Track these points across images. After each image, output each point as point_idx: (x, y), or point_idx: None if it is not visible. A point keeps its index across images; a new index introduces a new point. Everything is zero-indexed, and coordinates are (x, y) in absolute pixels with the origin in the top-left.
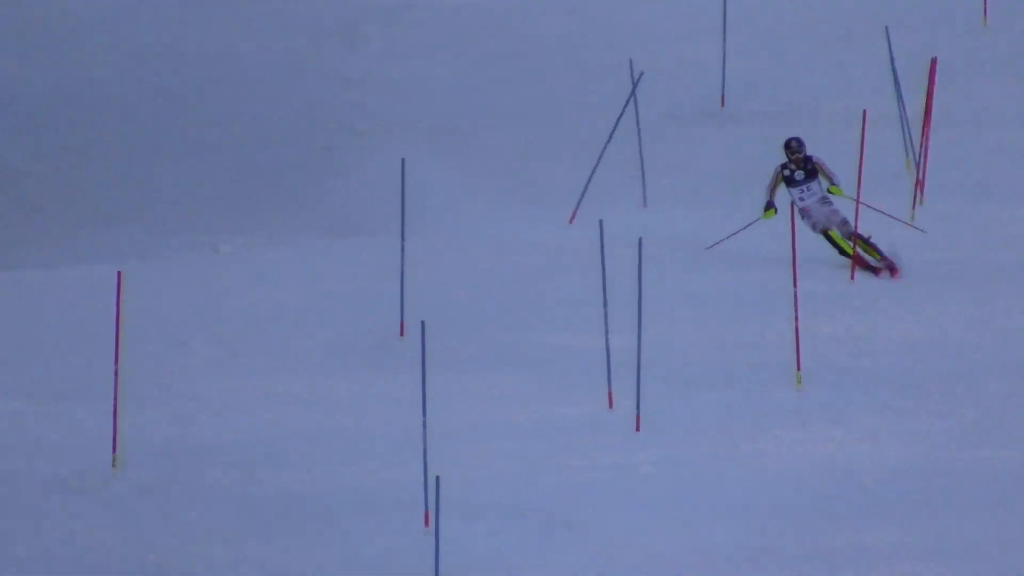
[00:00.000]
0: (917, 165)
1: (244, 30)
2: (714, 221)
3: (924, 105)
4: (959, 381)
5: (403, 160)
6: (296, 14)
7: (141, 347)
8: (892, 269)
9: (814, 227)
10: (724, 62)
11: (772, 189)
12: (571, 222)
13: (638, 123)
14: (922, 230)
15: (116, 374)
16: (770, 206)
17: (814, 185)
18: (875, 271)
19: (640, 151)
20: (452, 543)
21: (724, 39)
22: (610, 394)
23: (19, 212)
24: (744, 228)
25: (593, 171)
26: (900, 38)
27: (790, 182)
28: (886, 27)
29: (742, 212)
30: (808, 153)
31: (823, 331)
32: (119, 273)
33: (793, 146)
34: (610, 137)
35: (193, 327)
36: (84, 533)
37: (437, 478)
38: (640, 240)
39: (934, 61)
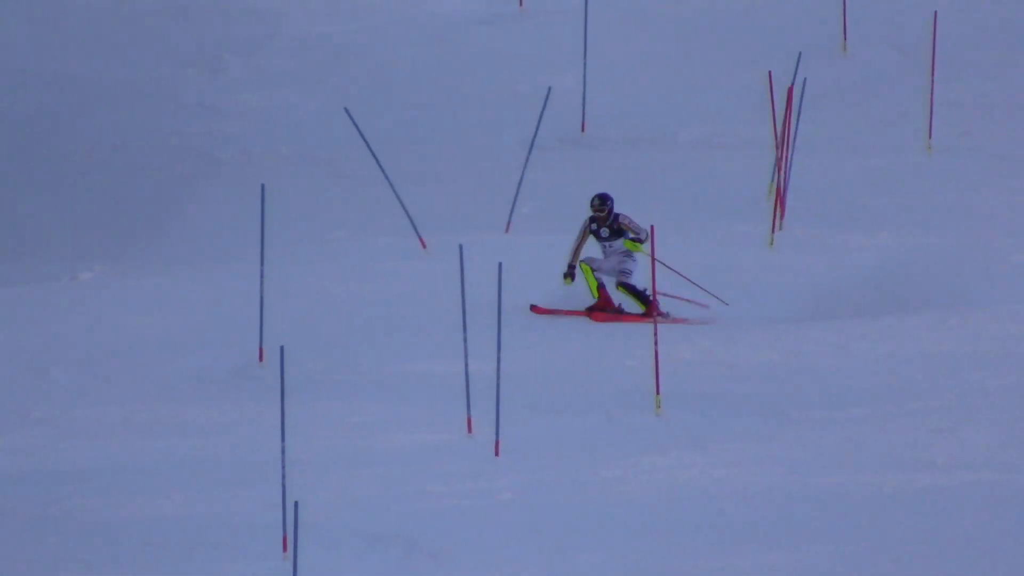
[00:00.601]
0: (777, 190)
1: (103, 56)
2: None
3: (783, 132)
4: (819, 406)
5: (263, 186)
6: (157, 41)
7: None
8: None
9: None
10: (584, 89)
11: (578, 246)
12: (424, 247)
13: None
14: (725, 302)
15: None
16: (570, 273)
17: (618, 243)
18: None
19: (522, 176)
20: (311, 569)
21: (584, 66)
22: (469, 420)
23: None
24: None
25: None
26: (761, 66)
27: (597, 236)
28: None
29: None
30: (617, 211)
31: (683, 356)
32: None
33: (595, 204)
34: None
35: (52, 354)
36: None
37: (296, 503)
38: (500, 265)
39: (791, 89)
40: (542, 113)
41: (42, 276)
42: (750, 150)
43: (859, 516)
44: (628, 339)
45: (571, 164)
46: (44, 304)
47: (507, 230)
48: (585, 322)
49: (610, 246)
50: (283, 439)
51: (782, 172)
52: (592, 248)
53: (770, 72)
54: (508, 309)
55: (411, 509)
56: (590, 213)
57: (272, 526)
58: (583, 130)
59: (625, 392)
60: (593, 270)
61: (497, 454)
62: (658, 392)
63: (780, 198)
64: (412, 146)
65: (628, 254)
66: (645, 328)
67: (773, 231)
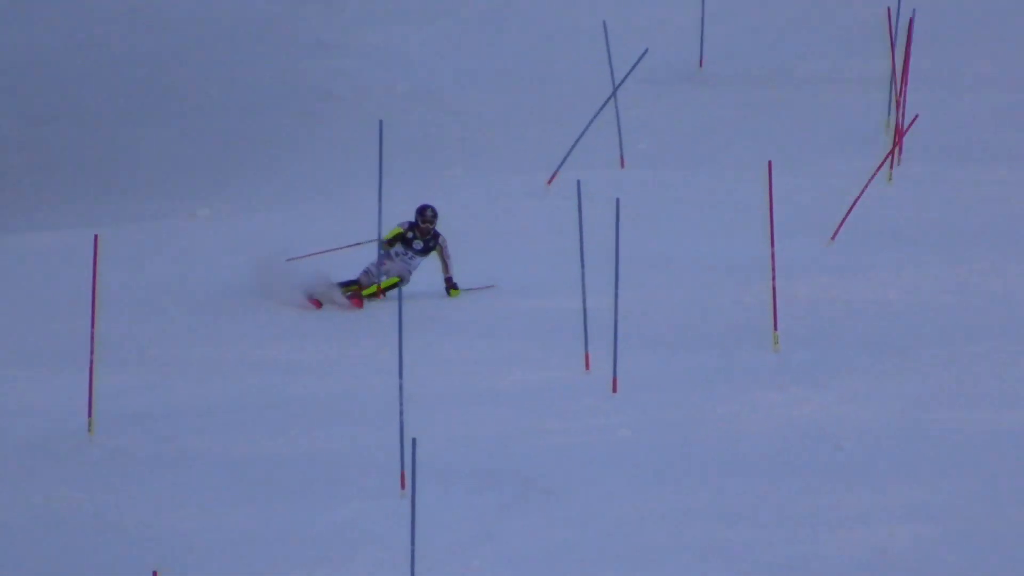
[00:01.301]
0: (896, 126)
1: None
2: (693, 182)
3: (902, 67)
4: (937, 343)
5: (380, 123)
6: None
7: (118, 312)
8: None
9: (373, 274)
10: (703, 24)
11: (388, 243)
12: (549, 184)
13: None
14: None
15: (92, 339)
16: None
17: (419, 260)
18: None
19: (616, 113)
20: (428, 507)
21: (703, 1)
22: (587, 357)
23: None
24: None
25: (581, 135)
26: (876, 1)
27: (405, 243)
28: None
29: (720, 173)
30: (438, 230)
31: (801, 294)
32: (96, 237)
33: (428, 215)
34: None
35: (170, 292)
36: (60, 497)
37: (413, 440)
38: (617, 201)
39: (911, 22)
40: (639, 58)
41: (159, 213)
42: (868, 85)
43: (977, 454)
44: (746, 276)
45: (688, 100)
46: (162, 242)
47: (622, 166)
48: (701, 261)
49: (413, 259)
50: (401, 377)
51: (901, 107)
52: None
53: (888, 8)
54: (625, 245)
55: (528, 447)
56: (410, 221)
57: (390, 464)
58: (701, 66)
59: (742, 329)
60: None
61: (615, 391)
62: (776, 329)
63: (899, 133)
64: (528, 83)
65: (412, 263)
66: (762, 264)
67: (892, 167)
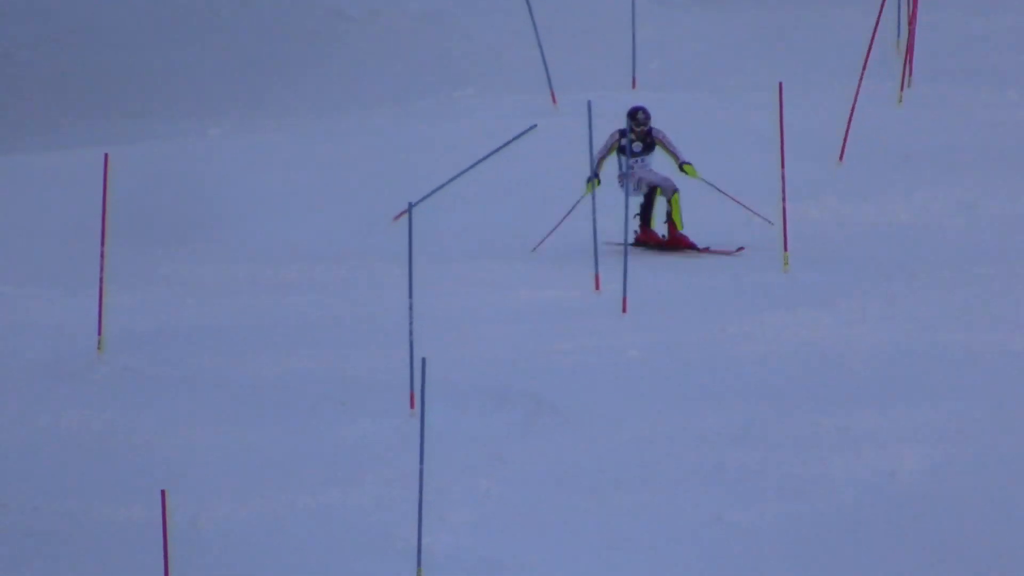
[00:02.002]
0: (908, 46)
1: None
2: (703, 103)
3: None
4: (946, 265)
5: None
6: None
7: (129, 232)
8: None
9: (638, 186)
10: None
11: (603, 158)
12: (555, 103)
13: (634, 7)
14: (770, 222)
15: (102, 258)
16: (593, 178)
17: (649, 159)
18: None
19: (633, 33)
20: (438, 426)
21: None
22: (597, 277)
23: (8, 98)
24: (569, 212)
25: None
26: None
27: (626, 152)
28: None
29: (730, 94)
30: (652, 126)
31: (811, 215)
32: (106, 156)
33: (639, 117)
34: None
35: (181, 211)
36: (70, 416)
37: (423, 360)
38: (628, 121)
39: None
40: None
41: (173, 132)
42: (878, 5)
43: (985, 375)
44: (756, 197)
45: (699, 21)
46: (174, 160)
47: (634, 86)
48: (708, 179)
49: (642, 161)
50: (411, 296)
51: (911, 28)
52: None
53: None
54: None
55: (537, 367)
56: (625, 125)
57: (399, 383)
58: None
59: (751, 250)
60: (638, 184)
61: (624, 311)
62: (786, 250)
63: (909, 55)
64: (539, 3)
65: (649, 168)
66: (772, 186)
67: (902, 88)
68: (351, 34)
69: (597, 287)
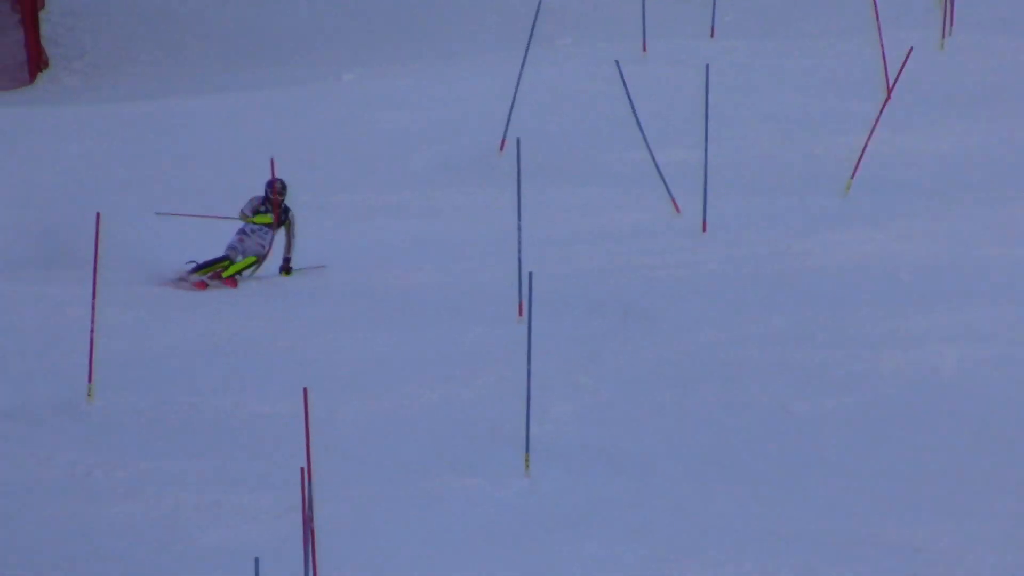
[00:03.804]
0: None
1: None
2: (772, 49)
3: None
4: (983, 188)
5: None
6: None
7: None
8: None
9: (237, 251)
10: None
11: (249, 216)
12: (644, 51)
13: None
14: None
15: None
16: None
17: (270, 233)
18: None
19: None
20: (542, 331)
21: None
22: (675, 202)
23: (171, 49)
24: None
25: None
26: None
27: (260, 217)
28: None
29: (795, 41)
30: (288, 204)
31: (868, 146)
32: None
33: (278, 187)
34: None
35: (317, 146)
36: (223, 324)
37: (530, 274)
38: (707, 67)
39: None
40: None
41: (309, 78)
42: None
43: (1017, 281)
44: (823, 131)
45: None
46: (310, 102)
47: (712, 35)
48: (778, 117)
49: (263, 231)
50: (519, 218)
51: None
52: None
53: None
54: (714, 105)
55: (628, 279)
56: (264, 195)
57: (508, 294)
58: None
59: (815, 177)
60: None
61: (704, 231)
62: (852, 177)
63: (950, 5)
64: None
65: (264, 237)
66: (831, 121)
67: (943, 37)
68: None
69: (678, 210)
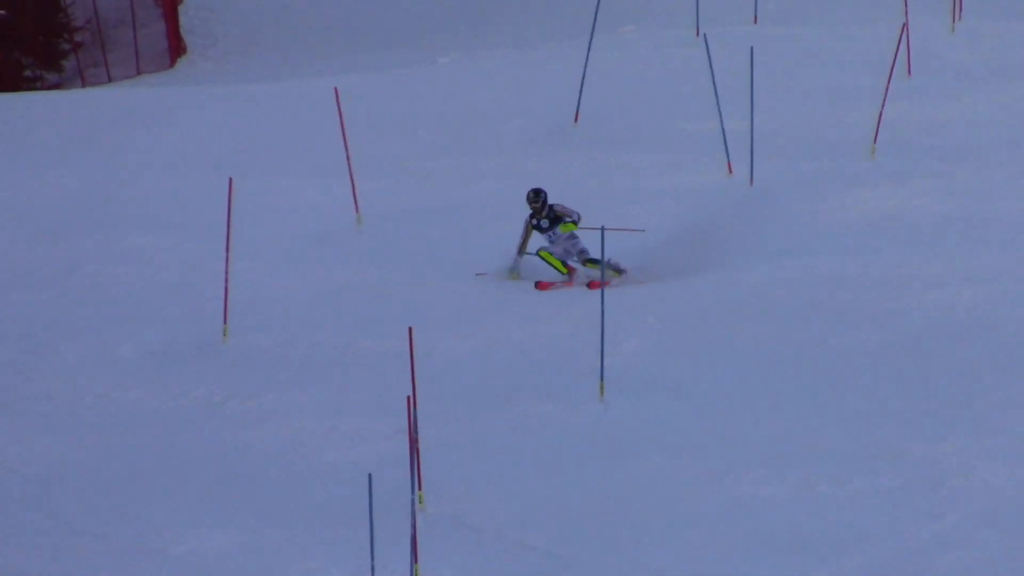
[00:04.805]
0: None
1: None
2: (810, 34)
3: None
4: (993, 150)
5: None
6: None
7: (376, 134)
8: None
9: (576, 256)
10: None
11: (523, 243)
12: (697, 36)
13: None
14: (641, 230)
15: (346, 150)
16: (514, 270)
17: (558, 229)
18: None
19: None
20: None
21: None
22: (729, 164)
23: (285, 39)
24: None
25: None
26: None
27: (539, 229)
28: None
29: (829, 27)
30: (550, 202)
31: (887, 115)
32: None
33: (531, 197)
34: None
35: (417, 119)
36: (339, 272)
37: (602, 227)
38: (751, 49)
39: None
40: None
41: (408, 62)
42: None
43: None
44: (855, 105)
45: None
46: (409, 83)
47: (755, 22)
48: (812, 92)
49: (554, 234)
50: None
51: None
52: (538, 240)
53: None
54: (758, 81)
55: (687, 231)
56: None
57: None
58: None
59: (845, 142)
60: (551, 254)
61: (751, 184)
62: (875, 141)
63: None
64: None
65: (572, 236)
66: (859, 93)
67: (953, 21)
68: None
69: (730, 171)
